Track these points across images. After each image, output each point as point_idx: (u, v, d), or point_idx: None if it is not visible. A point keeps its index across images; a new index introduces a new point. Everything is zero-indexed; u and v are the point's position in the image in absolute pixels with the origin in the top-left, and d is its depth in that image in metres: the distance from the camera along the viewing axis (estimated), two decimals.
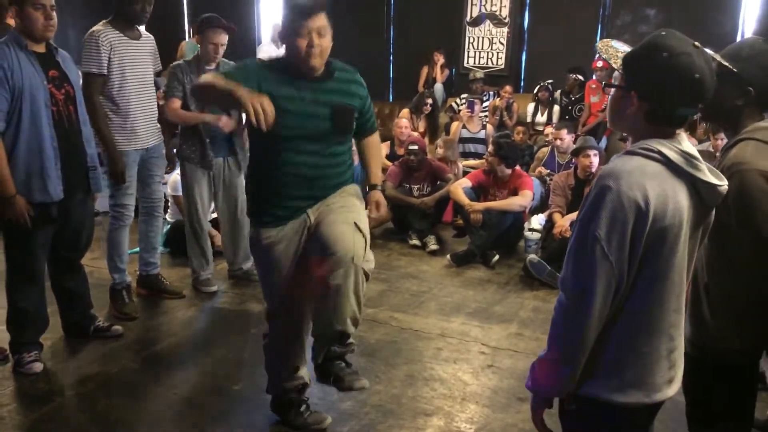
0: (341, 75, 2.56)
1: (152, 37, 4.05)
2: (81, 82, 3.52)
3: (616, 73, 1.58)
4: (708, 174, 1.48)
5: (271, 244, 2.56)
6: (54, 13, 3.19)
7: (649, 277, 1.47)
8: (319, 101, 2.48)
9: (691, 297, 1.94)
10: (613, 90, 1.58)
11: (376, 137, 2.87)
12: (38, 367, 3.30)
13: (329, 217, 2.50)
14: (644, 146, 1.47)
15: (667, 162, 1.45)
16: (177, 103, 4.07)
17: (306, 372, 2.88)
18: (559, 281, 1.51)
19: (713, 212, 1.59)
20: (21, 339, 3.34)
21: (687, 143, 1.50)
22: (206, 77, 2.53)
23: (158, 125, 4.06)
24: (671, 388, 1.58)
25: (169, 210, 5.37)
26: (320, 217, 2.54)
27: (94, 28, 3.78)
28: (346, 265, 2.38)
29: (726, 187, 1.52)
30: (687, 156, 1.46)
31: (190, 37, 9.35)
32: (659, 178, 1.44)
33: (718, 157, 1.97)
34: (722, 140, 5.14)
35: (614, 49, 1.60)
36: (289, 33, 2.41)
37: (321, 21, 2.38)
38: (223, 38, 4.11)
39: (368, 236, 2.51)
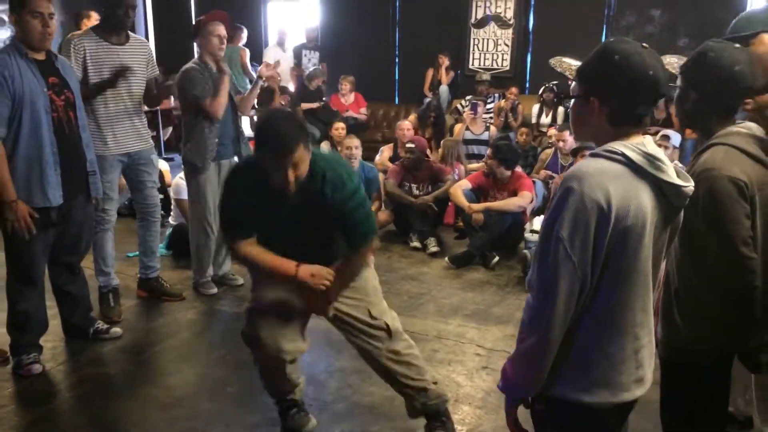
0: (325, 176, 2.43)
1: (145, 41, 4.10)
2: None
3: (573, 85, 1.61)
4: (672, 175, 1.50)
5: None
6: (53, 22, 3.23)
7: (613, 278, 1.48)
8: (298, 212, 2.44)
9: (662, 300, 1.95)
10: (572, 101, 1.61)
11: (357, 260, 2.58)
12: (37, 368, 3.36)
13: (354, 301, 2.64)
14: (608, 148, 1.50)
15: (629, 163, 1.47)
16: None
17: (300, 388, 2.90)
18: (527, 282, 1.54)
19: (681, 214, 1.60)
20: (20, 341, 3.39)
21: (652, 146, 1.52)
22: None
23: (146, 131, 4.07)
24: (640, 388, 1.59)
25: (171, 213, 5.43)
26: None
27: (73, 33, 3.85)
28: (391, 343, 2.68)
29: (692, 188, 1.53)
30: (650, 158, 1.48)
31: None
32: (622, 179, 1.46)
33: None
34: None
35: (567, 64, 1.66)
36: (266, 164, 2.33)
37: (298, 153, 2.26)
38: (223, 29, 4.16)
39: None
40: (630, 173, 1.47)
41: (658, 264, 1.58)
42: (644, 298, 1.54)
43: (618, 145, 1.49)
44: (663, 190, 1.50)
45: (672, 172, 1.50)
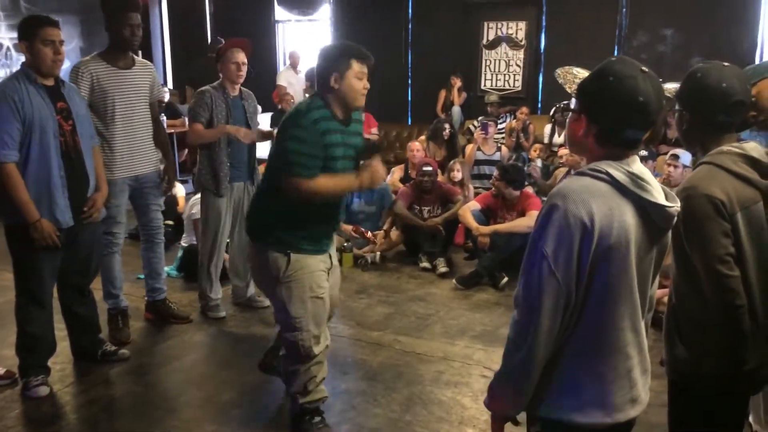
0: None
1: (150, 64, 4.15)
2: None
3: (574, 99, 1.61)
4: (655, 195, 1.49)
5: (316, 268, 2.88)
6: (62, 49, 3.32)
7: (599, 296, 1.48)
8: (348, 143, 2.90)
9: (665, 319, 1.93)
10: (570, 114, 1.61)
11: None
12: (44, 390, 3.38)
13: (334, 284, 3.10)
14: (593, 167, 1.50)
15: (613, 182, 1.47)
16: (200, 127, 4.13)
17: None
18: (514, 298, 1.54)
19: (668, 235, 1.59)
20: (28, 363, 3.42)
21: (638, 165, 1.51)
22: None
23: (153, 153, 4.08)
24: (634, 408, 1.57)
25: (184, 234, 5.46)
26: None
27: (80, 60, 3.91)
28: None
29: (677, 209, 1.53)
30: (634, 177, 1.48)
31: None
32: (605, 197, 1.46)
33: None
34: None
35: (572, 75, 1.65)
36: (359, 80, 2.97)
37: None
38: (243, 56, 4.21)
39: None
40: (614, 192, 1.47)
41: (646, 284, 1.57)
42: (633, 317, 1.53)
43: (603, 164, 1.49)
44: (647, 210, 1.49)
45: (656, 192, 1.50)
